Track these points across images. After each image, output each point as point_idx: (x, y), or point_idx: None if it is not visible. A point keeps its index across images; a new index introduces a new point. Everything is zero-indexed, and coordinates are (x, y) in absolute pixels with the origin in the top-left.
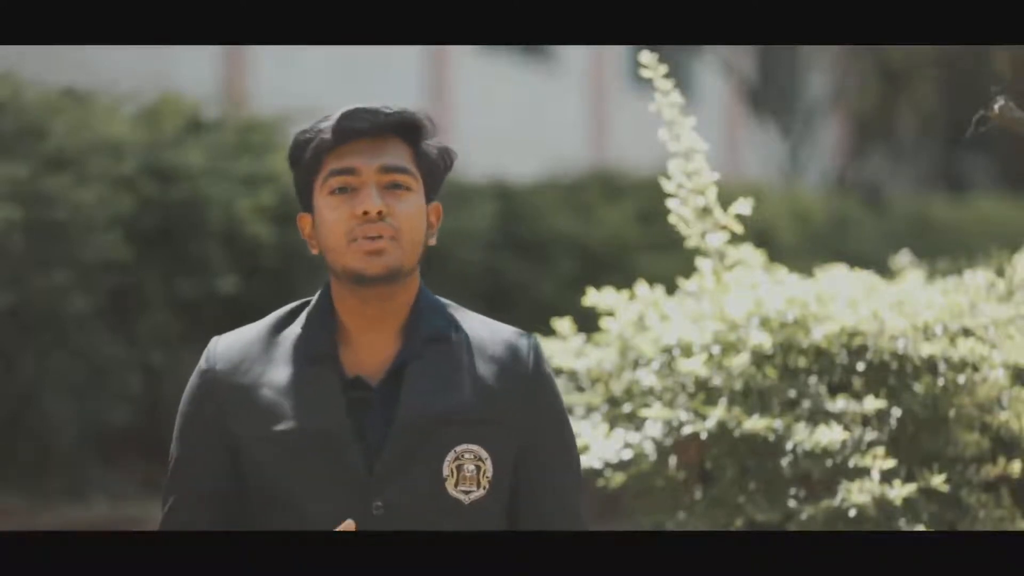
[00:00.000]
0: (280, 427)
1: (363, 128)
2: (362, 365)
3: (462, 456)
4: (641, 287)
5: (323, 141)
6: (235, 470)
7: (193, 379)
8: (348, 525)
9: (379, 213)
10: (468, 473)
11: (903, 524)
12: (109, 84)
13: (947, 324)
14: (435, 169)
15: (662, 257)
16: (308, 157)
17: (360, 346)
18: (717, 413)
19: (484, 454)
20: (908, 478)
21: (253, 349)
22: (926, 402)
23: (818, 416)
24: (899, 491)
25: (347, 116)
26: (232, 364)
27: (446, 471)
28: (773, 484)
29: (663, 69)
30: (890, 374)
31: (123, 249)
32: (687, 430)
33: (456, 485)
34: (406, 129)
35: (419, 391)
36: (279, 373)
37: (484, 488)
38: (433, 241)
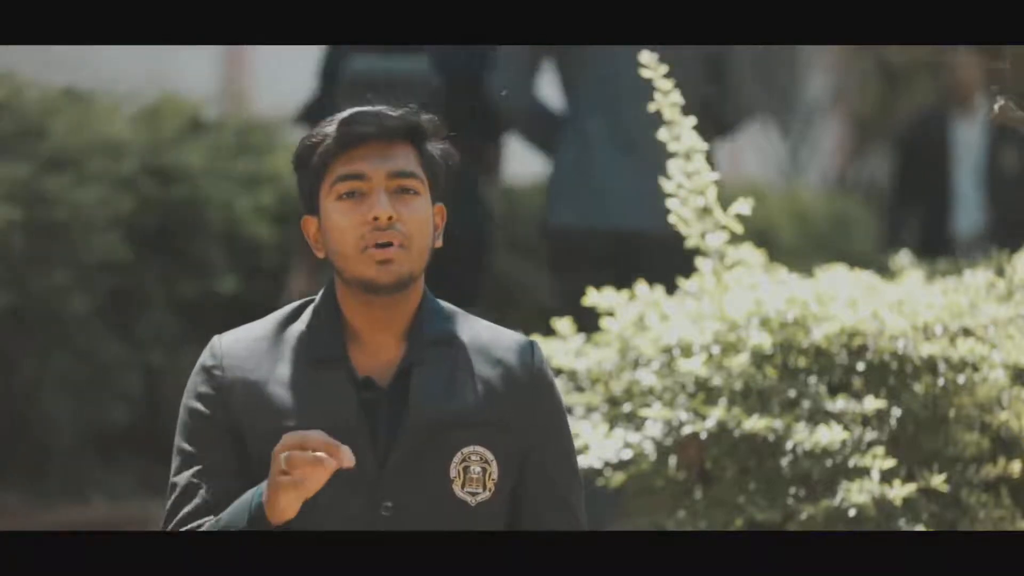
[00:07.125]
0: (290, 424)
1: (370, 132)
2: (370, 366)
3: (468, 458)
4: (641, 287)
5: (330, 146)
6: (242, 467)
7: (197, 375)
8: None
9: (389, 219)
10: (474, 475)
11: (903, 524)
12: (109, 84)
13: (947, 324)
14: (441, 171)
15: None
16: (315, 161)
17: (368, 347)
18: (717, 413)
19: (490, 456)
20: (908, 478)
21: (259, 347)
22: (926, 402)
23: (818, 416)
24: (899, 491)
25: (353, 120)
26: (239, 361)
27: (453, 473)
28: (773, 484)
29: (663, 69)
30: (890, 374)
31: (123, 249)
32: (687, 430)
33: (463, 487)
34: (412, 132)
35: (428, 393)
36: (288, 371)
37: (489, 490)
38: (439, 243)
